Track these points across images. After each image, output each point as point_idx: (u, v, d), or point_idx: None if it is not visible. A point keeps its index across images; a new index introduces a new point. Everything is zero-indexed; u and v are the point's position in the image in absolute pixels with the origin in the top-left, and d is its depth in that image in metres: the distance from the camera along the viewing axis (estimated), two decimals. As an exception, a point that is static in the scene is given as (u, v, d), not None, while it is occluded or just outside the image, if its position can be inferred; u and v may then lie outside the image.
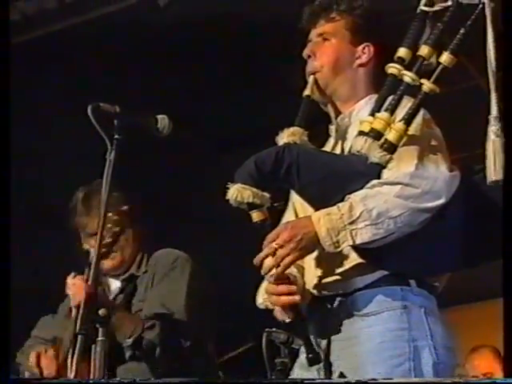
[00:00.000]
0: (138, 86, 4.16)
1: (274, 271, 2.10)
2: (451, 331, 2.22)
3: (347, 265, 2.17)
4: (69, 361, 2.36)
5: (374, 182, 2.09)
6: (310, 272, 2.26)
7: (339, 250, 2.06)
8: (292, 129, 2.27)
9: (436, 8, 2.19)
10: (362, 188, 2.09)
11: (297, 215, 2.36)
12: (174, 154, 4.39)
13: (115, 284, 2.99)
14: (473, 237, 2.13)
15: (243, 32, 3.89)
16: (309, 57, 2.38)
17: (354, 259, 2.15)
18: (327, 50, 2.36)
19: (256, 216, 2.14)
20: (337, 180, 2.14)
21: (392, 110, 2.16)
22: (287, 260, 2.06)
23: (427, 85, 2.13)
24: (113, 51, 4.09)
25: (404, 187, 2.06)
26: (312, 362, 2.13)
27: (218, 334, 3.06)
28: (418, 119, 2.17)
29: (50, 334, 3.05)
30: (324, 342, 2.18)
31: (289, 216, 2.38)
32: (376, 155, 2.11)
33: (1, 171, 2.15)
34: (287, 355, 2.31)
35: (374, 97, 2.28)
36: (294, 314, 2.14)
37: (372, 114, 2.18)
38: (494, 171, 2.00)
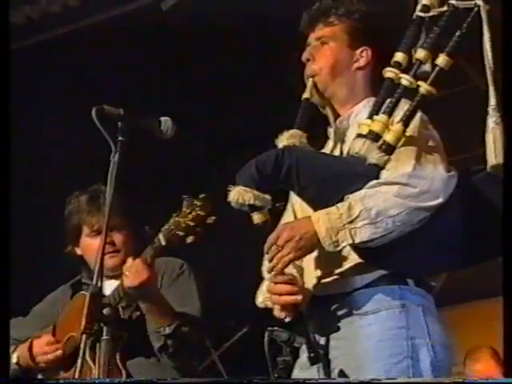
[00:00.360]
0: (140, 88, 4.17)
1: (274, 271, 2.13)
2: (449, 329, 2.23)
3: (346, 265, 2.19)
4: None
5: (373, 182, 2.11)
6: (310, 272, 2.27)
7: (339, 249, 2.07)
8: (291, 131, 2.29)
9: (432, 13, 2.21)
10: (361, 189, 2.10)
11: (296, 216, 2.37)
12: (176, 156, 4.41)
13: (114, 284, 2.99)
14: (470, 237, 2.13)
15: (244, 35, 3.90)
16: (308, 60, 2.39)
17: (352, 259, 2.17)
18: (326, 54, 2.37)
19: (257, 218, 2.15)
20: (336, 181, 2.15)
21: (390, 113, 2.17)
22: (286, 258, 2.08)
23: (424, 87, 2.15)
24: (116, 54, 4.10)
25: (402, 187, 2.07)
26: (313, 360, 2.15)
27: (220, 332, 3.08)
28: (416, 121, 2.18)
29: (24, 335, 3.07)
30: (323, 341, 2.19)
31: (288, 217, 2.39)
32: (374, 156, 2.12)
33: (1, 171, 2.16)
34: (289, 354, 2.31)
35: (372, 100, 2.29)
36: (295, 314, 2.16)
37: (370, 117, 2.19)
38: (494, 156, 2.04)
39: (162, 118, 2.53)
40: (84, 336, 2.23)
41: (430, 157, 2.15)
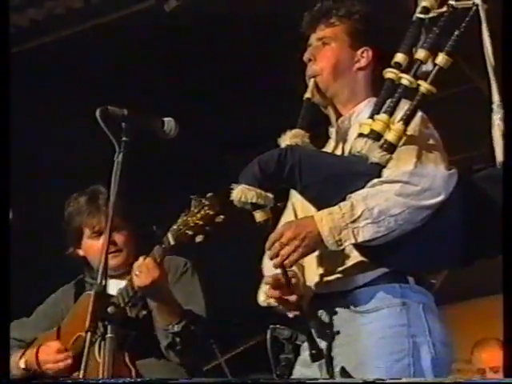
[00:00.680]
0: (143, 89, 4.16)
1: (277, 271, 2.13)
2: (449, 327, 2.23)
3: (348, 263, 2.19)
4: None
5: (375, 180, 2.10)
6: (311, 270, 2.27)
7: (342, 248, 2.07)
8: (294, 131, 2.28)
9: (431, 15, 2.20)
10: (362, 188, 2.10)
11: (296, 215, 2.37)
12: (178, 156, 4.40)
13: (118, 284, 2.99)
14: (470, 235, 2.13)
15: (246, 35, 3.90)
16: (309, 60, 2.39)
17: (354, 257, 2.16)
18: (327, 54, 2.37)
19: (259, 216, 2.14)
20: (338, 180, 2.15)
21: (391, 112, 2.17)
22: (292, 258, 2.07)
23: (424, 86, 2.15)
24: (119, 55, 4.09)
25: (404, 185, 2.07)
26: (315, 357, 2.15)
27: (225, 331, 3.07)
28: (416, 120, 2.18)
29: (29, 336, 3.06)
30: (325, 339, 2.19)
31: (288, 215, 2.39)
32: (376, 155, 2.12)
33: (1, 171, 2.16)
34: (291, 351, 2.31)
35: (373, 100, 2.29)
36: (298, 311, 2.15)
37: (371, 117, 2.19)
38: (503, 153, 2.05)
39: (165, 119, 2.54)
40: (89, 334, 2.22)
41: (431, 155, 2.15)
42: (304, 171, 2.14)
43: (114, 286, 2.87)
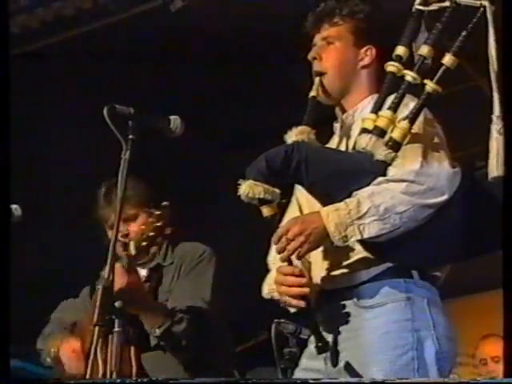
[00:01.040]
0: (149, 87, 4.16)
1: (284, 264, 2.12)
2: (453, 321, 2.21)
3: (353, 258, 2.17)
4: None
5: (381, 179, 2.09)
6: (317, 266, 2.25)
7: (347, 243, 2.06)
8: (300, 127, 2.26)
9: (432, 7, 2.18)
10: (368, 184, 2.09)
11: (301, 209, 2.36)
12: (185, 153, 4.39)
13: (141, 272, 2.98)
14: (473, 230, 2.12)
15: (252, 34, 3.89)
16: (314, 59, 2.38)
17: (359, 252, 2.15)
18: (332, 54, 2.36)
19: (266, 211, 2.14)
20: (344, 177, 2.13)
21: (394, 108, 2.16)
22: (300, 251, 2.06)
23: (430, 85, 2.13)
24: (126, 55, 4.09)
25: (410, 184, 2.06)
26: (321, 350, 2.13)
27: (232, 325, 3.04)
28: (421, 118, 2.17)
29: (71, 318, 3.02)
30: (330, 334, 2.17)
31: (292, 211, 2.37)
32: (381, 153, 2.11)
33: (1, 171, 2.15)
34: (295, 345, 2.31)
35: (377, 96, 2.27)
36: (303, 304, 2.14)
37: (374, 112, 2.18)
38: (496, 167, 2.03)
39: (171, 117, 2.52)
40: (96, 328, 2.21)
41: (436, 154, 2.14)
42: (310, 167, 2.13)
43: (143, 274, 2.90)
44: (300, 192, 2.34)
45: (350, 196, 2.07)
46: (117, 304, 2.48)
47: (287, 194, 2.34)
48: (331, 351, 2.14)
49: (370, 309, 2.13)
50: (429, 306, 2.14)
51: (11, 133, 2.16)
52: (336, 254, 2.18)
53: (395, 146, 2.11)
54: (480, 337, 4.74)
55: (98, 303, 2.23)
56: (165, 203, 2.68)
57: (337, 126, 2.41)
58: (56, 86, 4.15)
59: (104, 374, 2.57)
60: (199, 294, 2.86)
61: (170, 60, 4.10)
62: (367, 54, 2.35)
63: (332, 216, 2.04)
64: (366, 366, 2.08)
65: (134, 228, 2.93)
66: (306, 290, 2.11)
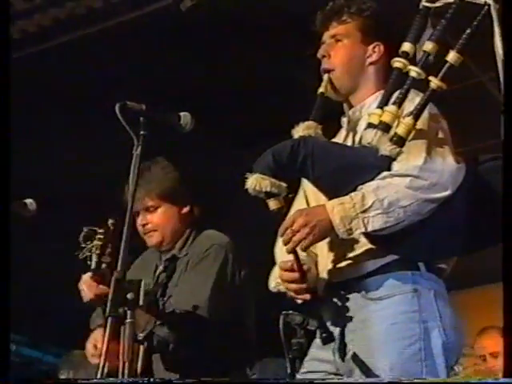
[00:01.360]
0: (159, 84, 4.16)
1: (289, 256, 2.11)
2: (459, 313, 2.21)
3: (358, 250, 2.17)
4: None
5: (385, 173, 2.09)
6: (323, 258, 2.26)
7: (352, 236, 2.06)
8: (307, 123, 2.26)
9: (438, 4, 2.18)
10: (372, 179, 2.09)
11: (308, 201, 2.36)
12: (194, 149, 4.40)
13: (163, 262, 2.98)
14: (477, 223, 2.12)
15: (260, 32, 3.89)
16: (323, 57, 2.37)
17: (364, 245, 2.15)
18: (340, 51, 2.35)
19: (273, 204, 2.13)
20: (349, 171, 2.13)
21: (399, 104, 2.16)
22: (303, 244, 2.06)
23: (435, 82, 2.13)
24: (136, 54, 4.09)
25: (414, 179, 2.06)
26: (325, 340, 2.13)
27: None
28: (425, 114, 2.16)
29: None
30: (338, 325, 2.17)
31: (299, 203, 2.37)
32: (386, 148, 2.11)
33: (1, 171, 2.15)
34: (303, 336, 2.30)
35: (383, 91, 2.27)
36: (310, 296, 2.14)
37: (380, 107, 2.18)
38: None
39: (182, 113, 2.51)
40: (109, 319, 2.21)
41: (440, 149, 2.13)
42: (316, 162, 2.13)
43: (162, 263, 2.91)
44: (307, 185, 2.34)
45: (355, 190, 2.07)
46: (129, 296, 2.48)
47: (294, 188, 2.34)
48: (339, 342, 2.14)
49: (378, 300, 2.13)
50: (435, 297, 2.13)
51: (25, 132, 2.16)
52: (342, 246, 2.18)
53: (400, 141, 2.11)
54: (479, 328, 4.70)
55: (110, 295, 2.23)
56: (111, 221, 2.71)
57: (344, 120, 2.41)
58: (68, 83, 4.16)
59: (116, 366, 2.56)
60: (197, 293, 2.80)
61: (179, 58, 4.10)
62: (375, 51, 2.35)
63: (337, 209, 2.04)
64: (373, 356, 2.08)
65: (153, 219, 2.94)
66: (303, 285, 2.11)
